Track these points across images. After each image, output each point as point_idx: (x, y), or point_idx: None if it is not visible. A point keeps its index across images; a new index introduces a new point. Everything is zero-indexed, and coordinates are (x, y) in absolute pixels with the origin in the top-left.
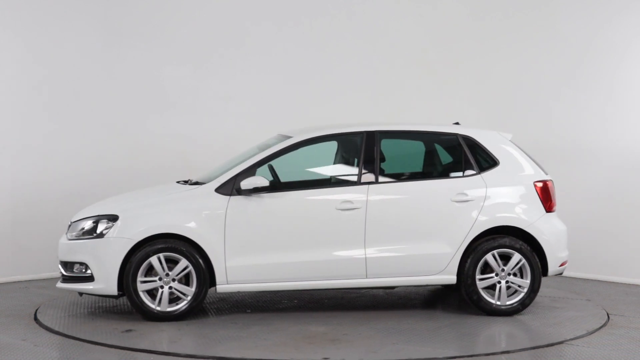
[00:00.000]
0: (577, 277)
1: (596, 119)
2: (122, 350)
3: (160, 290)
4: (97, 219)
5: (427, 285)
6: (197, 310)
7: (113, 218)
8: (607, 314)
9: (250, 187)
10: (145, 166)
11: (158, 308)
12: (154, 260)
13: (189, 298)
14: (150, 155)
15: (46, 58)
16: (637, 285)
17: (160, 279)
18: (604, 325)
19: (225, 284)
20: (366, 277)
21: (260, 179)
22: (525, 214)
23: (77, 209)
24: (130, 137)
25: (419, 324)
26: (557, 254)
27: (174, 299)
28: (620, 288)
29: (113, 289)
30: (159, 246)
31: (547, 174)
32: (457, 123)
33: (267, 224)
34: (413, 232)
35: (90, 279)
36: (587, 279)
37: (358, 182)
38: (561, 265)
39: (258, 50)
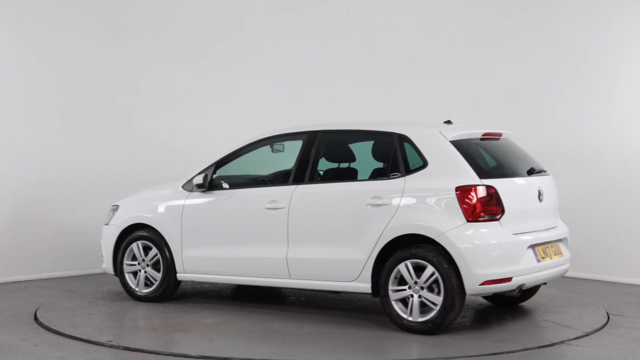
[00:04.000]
0: (577, 277)
1: (597, 119)
2: (122, 350)
3: (139, 274)
4: (113, 209)
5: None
6: (170, 295)
7: (117, 208)
8: (607, 314)
9: (194, 184)
10: (145, 166)
11: (137, 289)
12: (134, 246)
13: (157, 283)
14: (150, 156)
15: (46, 59)
16: (637, 285)
17: (139, 263)
18: (604, 325)
19: (183, 272)
20: (290, 278)
21: (198, 178)
22: (438, 222)
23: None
24: (130, 138)
25: (320, 329)
26: (475, 269)
27: (150, 283)
28: (620, 288)
29: (111, 270)
30: (138, 234)
31: (482, 179)
32: (448, 121)
33: (212, 219)
34: (329, 236)
35: (102, 260)
36: (587, 279)
37: (289, 182)
38: (485, 283)
39: (257, 51)
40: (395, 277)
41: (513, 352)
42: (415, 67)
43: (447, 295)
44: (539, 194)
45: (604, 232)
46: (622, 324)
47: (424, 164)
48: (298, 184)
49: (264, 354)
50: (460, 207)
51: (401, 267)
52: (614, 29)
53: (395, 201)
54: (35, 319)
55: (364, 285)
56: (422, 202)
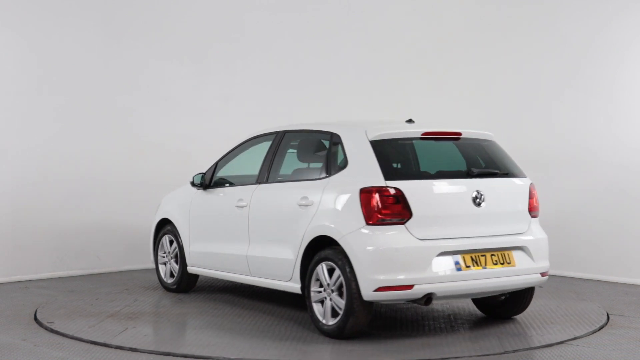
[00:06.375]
0: (577, 277)
1: (597, 119)
2: (122, 351)
3: (166, 265)
4: (159, 204)
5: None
6: (188, 286)
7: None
8: (607, 314)
9: (194, 182)
10: (145, 166)
11: (165, 279)
12: (163, 239)
13: (176, 275)
14: (150, 156)
15: (46, 58)
16: (637, 285)
17: (166, 256)
18: (604, 325)
19: (190, 265)
20: (250, 275)
21: (197, 177)
22: (342, 224)
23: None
24: (130, 138)
25: (253, 324)
26: (370, 274)
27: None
28: (620, 288)
29: (153, 260)
30: (167, 229)
31: (389, 181)
32: (410, 120)
33: (206, 216)
34: (272, 235)
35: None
36: (587, 279)
37: (255, 182)
38: (380, 289)
39: (257, 51)
40: (316, 279)
41: (514, 351)
42: (415, 67)
43: (348, 300)
44: (476, 197)
45: (604, 233)
46: (622, 324)
47: (346, 164)
48: (260, 183)
49: (159, 345)
50: (361, 209)
51: (318, 268)
52: (614, 29)
53: (317, 202)
54: (35, 319)
55: (295, 286)
56: (334, 204)
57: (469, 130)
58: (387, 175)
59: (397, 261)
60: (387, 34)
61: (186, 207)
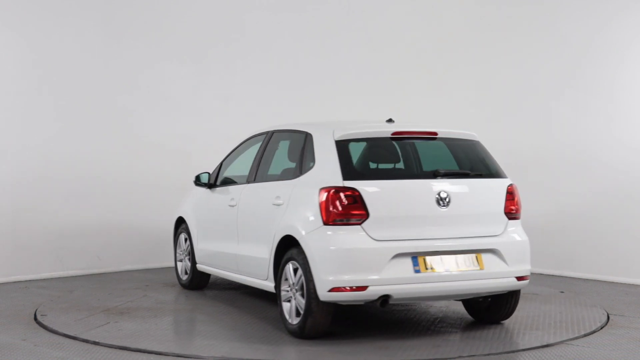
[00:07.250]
0: (577, 277)
1: (597, 119)
2: (122, 351)
3: (182, 263)
4: None
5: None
6: (200, 284)
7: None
8: (607, 314)
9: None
10: (144, 166)
11: (181, 277)
12: (180, 237)
13: (189, 273)
14: (150, 156)
15: (46, 58)
16: (637, 285)
17: (182, 254)
18: (604, 325)
19: (199, 263)
20: (239, 274)
21: (202, 175)
22: (303, 224)
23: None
24: (130, 138)
25: (228, 323)
26: (324, 275)
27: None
28: (620, 288)
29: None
30: (182, 227)
31: (347, 181)
32: (390, 120)
33: (208, 215)
34: (253, 233)
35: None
36: (587, 279)
37: (245, 181)
38: (334, 290)
39: (257, 51)
40: (285, 279)
41: (514, 351)
42: (415, 67)
43: (307, 300)
44: (440, 199)
45: (604, 233)
46: (622, 324)
47: (314, 164)
48: (249, 182)
49: (122, 340)
50: (320, 209)
51: (286, 267)
52: (614, 29)
53: (286, 201)
54: (35, 319)
55: (270, 285)
56: (299, 203)
57: (449, 130)
58: (346, 175)
59: (352, 262)
60: (387, 34)
61: (195, 206)
